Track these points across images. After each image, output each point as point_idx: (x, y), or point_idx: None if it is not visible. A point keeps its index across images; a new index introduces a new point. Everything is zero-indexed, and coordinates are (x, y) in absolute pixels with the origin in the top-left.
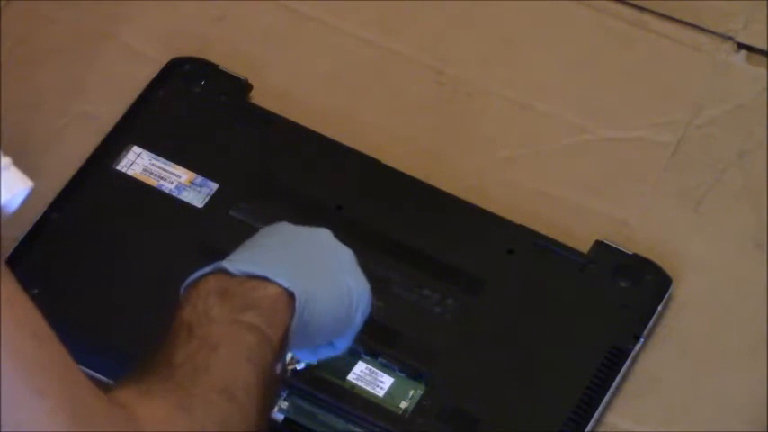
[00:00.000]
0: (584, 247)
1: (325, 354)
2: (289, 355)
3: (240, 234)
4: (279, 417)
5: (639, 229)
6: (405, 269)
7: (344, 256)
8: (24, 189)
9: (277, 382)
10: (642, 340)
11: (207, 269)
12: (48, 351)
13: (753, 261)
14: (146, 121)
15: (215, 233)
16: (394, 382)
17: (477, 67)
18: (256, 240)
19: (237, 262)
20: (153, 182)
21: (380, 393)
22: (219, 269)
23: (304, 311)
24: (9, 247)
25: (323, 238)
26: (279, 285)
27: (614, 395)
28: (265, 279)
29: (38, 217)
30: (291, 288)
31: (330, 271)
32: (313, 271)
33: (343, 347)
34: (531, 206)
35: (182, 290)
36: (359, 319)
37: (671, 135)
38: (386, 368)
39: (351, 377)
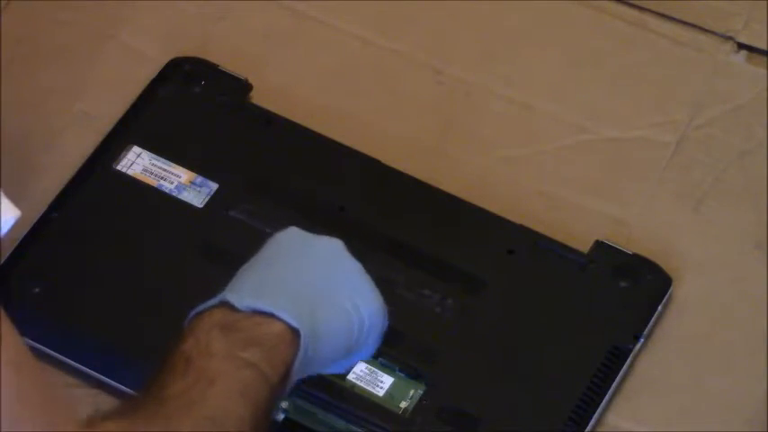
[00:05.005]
0: (585, 247)
1: (333, 371)
2: None
3: (240, 234)
4: (279, 417)
5: (639, 229)
6: (405, 269)
7: (354, 274)
8: (12, 218)
9: (271, 418)
10: (642, 340)
11: (212, 302)
12: (27, 379)
13: (753, 261)
14: (146, 121)
15: (215, 233)
16: (394, 382)
17: (477, 67)
18: (264, 261)
19: (244, 293)
20: (153, 182)
21: (380, 393)
22: (225, 303)
23: (308, 348)
24: (9, 247)
25: (334, 252)
26: (284, 322)
27: (614, 395)
28: (271, 315)
29: (38, 217)
30: (297, 326)
31: (340, 295)
32: (322, 299)
33: (352, 366)
34: (531, 206)
35: (186, 321)
36: (371, 342)
37: (671, 135)
38: (386, 368)
39: (351, 377)
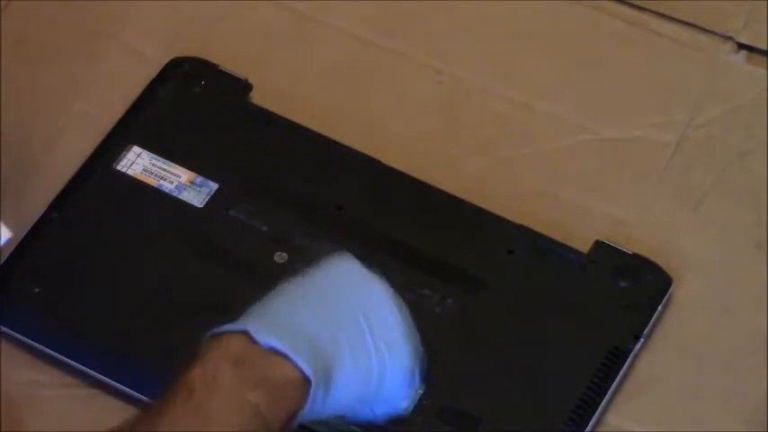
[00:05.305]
0: (585, 247)
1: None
2: None
3: (240, 234)
4: None
5: (639, 229)
6: (405, 269)
7: (394, 325)
8: (4, 238)
9: None
10: (642, 340)
11: (234, 327)
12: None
13: (753, 261)
14: (146, 121)
15: (215, 233)
16: None
17: (477, 67)
18: (304, 290)
19: (267, 326)
20: (153, 182)
21: None
22: (245, 332)
23: (317, 399)
24: (9, 246)
25: (377, 296)
26: (298, 368)
27: (614, 395)
28: (287, 358)
29: (38, 217)
30: (310, 374)
31: (370, 344)
32: (348, 346)
33: (380, 414)
34: (531, 206)
35: (204, 338)
36: (397, 398)
37: (671, 135)
38: None
39: None
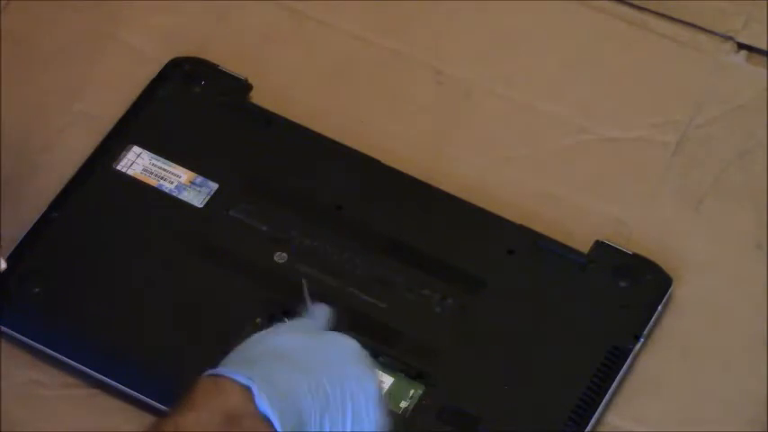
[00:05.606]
0: (585, 247)
1: None
2: None
3: (240, 234)
4: None
5: (639, 229)
6: (405, 269)
7: (373, 417)
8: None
9: None
10: (642, 340)
11: (240, 378)
12: None
13: (753, 261)
14: (146, 121)
15: (215, 233)
16: (394, 382)
17: (477, 67)
18: (303, 354)
19: (266, 392)
20: (153, 182)
21: None
22: (249, 389)
23: None
24: (9, 247)
25: (369, 388)
26: None
27: (614, 395)
28: (274, 427)
29: (38, 217)
30: None
31: (344, 426)
32: (327, 423)
33: None
34: (531, 206)
35: (204, 374)
36: None
37: (671, 135)
38: (386, 368)
39: None
